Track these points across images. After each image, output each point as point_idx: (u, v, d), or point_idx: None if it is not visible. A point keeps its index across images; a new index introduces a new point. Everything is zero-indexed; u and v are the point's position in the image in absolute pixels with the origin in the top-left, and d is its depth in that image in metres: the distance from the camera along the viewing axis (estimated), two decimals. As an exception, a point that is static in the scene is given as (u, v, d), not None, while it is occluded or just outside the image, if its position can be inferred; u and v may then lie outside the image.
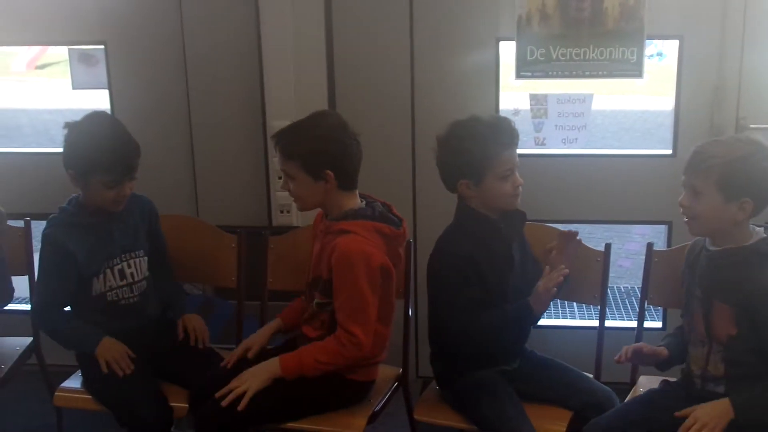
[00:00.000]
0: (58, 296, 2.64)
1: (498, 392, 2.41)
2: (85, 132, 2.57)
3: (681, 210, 2.24)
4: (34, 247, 2.98)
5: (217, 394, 2.36)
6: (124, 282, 2.68)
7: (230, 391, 2.35)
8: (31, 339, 2.99)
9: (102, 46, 3.44)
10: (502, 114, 3.26)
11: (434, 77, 3.30)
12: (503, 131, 2.39)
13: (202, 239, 2.89)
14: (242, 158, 3.43)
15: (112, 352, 2.57)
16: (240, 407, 2.32)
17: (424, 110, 3.32)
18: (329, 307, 2.42)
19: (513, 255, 2.47)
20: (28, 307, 3.03)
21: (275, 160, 3.21)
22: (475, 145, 2.36)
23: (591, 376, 2.61)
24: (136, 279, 2.71)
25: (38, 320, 2.78)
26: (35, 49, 14.00)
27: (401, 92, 3.31)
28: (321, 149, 2.37)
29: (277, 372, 2.38)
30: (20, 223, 2.97)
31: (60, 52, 15.84)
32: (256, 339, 2.61)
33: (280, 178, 3.25)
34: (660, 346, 2.38)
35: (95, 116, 2.63)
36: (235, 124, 3.41)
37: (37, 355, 3.00)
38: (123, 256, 2.68)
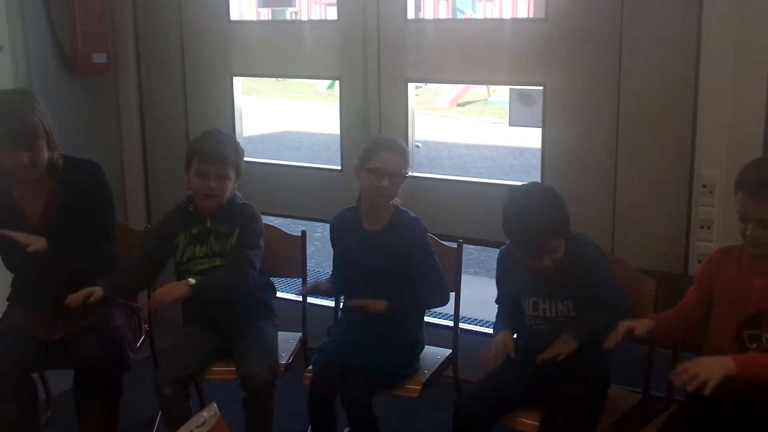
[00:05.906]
0: None
1: None
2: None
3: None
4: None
5: (676, 380, 2.36)
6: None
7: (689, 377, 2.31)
8: (450, 351, 3.25)
9: (541, 87, 3.63)
10: None
11: None
12: None
13: (621, 279, 2.90)
14: (663, 203, 3.42)
15: None
16: (707, 393, 2.27)
17: None
18: None
19: None
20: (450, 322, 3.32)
21: (700, 209, 3.21)
22: None
23: None
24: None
25: None
26: (458, 89, 15.11)
27: None
28: None
29: (731, 369, 2.30)
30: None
31: (479, 92, 16.88)
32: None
33: (701, 228, 3.22)
34: None
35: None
36: (660, 168, 3.41)
37: (453, 367, 3.25)
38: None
